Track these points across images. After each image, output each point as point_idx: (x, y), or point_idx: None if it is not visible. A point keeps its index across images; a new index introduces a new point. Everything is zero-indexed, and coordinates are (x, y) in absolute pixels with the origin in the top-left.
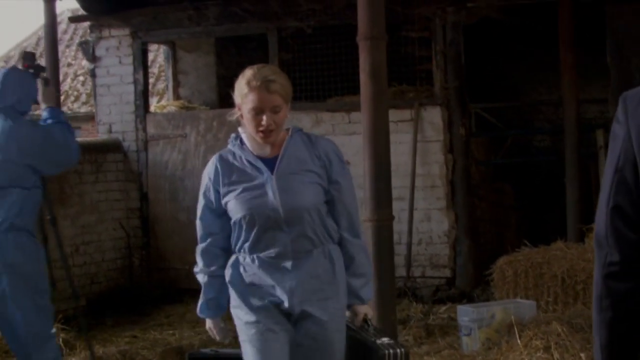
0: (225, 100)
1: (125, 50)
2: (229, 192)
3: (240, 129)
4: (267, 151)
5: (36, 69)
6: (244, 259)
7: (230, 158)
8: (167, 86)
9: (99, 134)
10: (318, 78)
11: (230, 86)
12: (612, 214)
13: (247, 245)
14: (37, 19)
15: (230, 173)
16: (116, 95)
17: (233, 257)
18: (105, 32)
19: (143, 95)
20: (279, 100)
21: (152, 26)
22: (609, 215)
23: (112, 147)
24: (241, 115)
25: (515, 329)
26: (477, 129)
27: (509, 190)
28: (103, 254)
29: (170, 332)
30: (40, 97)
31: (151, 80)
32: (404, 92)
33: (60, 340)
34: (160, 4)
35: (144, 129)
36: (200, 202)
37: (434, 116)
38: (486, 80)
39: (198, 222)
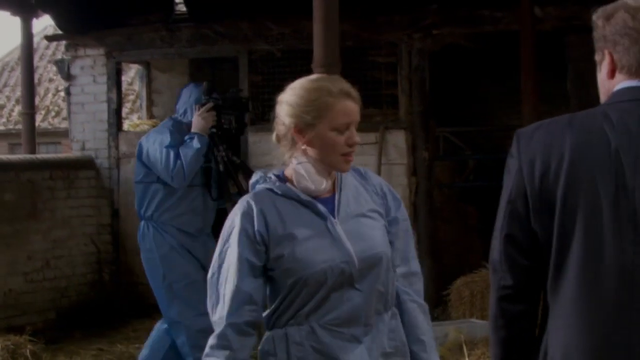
0: None
1: (100, 69)
2: (281, 244)
3: (295, 161)
4: (326, 187)
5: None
6: (297, 332)
7: (272, 200)
8: (140, 105)
9: (73, 151)
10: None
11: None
12: (506, 241)
13: (303, 312)
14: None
15: (279, 219)
16: (90, 113)
17: (274, 335)
18: (81, 51)
19: (116, 114)
20: (359, 112)
21: (126, 46)
22: (503, 243)
23: (85, 164)
24: (303, 141)
25: (465, 347)
26: (445, 153)
27: (473, 213)
28: (74, 269)
29: (137, 345)
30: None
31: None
32: (371, 115)
33: (28, 352)
34: (134, 25)
35: (117, 147)
36: (231, 261)
37: (398, 140)
38: (458, 104)
39: (227, 288)
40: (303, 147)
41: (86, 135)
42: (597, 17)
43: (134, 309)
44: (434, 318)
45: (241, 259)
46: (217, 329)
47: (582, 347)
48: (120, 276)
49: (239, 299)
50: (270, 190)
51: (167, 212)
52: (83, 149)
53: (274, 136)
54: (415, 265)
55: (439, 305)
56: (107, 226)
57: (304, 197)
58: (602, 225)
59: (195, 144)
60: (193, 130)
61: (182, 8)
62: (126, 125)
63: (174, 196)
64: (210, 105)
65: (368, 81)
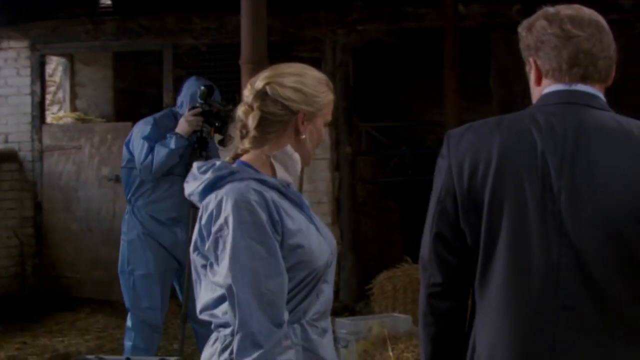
0: (122, 113)
1: (24, 62)
2: (295, 235)
3: (288, 150)
4: (295, 181)
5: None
6: (292, 332)
7: (266, 192)
8: (64, 98)
9: None
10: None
11: (127, 99)
12: (435, 240)
13: (300, 308)
14: None
15: (284, 210)
16: (13, 106)
17: None
18: (5, 44)
19: (40, 107)
20: None
21: (50, 39)
22: (432, 241)
23: (8, 157)
24: (304, 131)
25: (388, 342)
26: (368, 148)
27: (396, 208)
28: None
29: (60, 339)
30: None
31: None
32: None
33: None
34: (59, 18)
35: (40, 140)
36: (263, 255)
37: None
38: (382, 100)
39: (273, 285)
40: (303, 136)
41: (9, 128)
42: (521, 29)
43: (56, 302)
44: (357, 312)
45: (276, 251)
46: (274, 334)
47: (507, 344)
48: (43, 269)
49: (285, 295)
50: (259, 180)
51: (141, 197)
52: (6, 141)
53: (256, 118)
54: None
55: (361, 299)
56: (30, 219)
57: (290, 190)
58: (528, 226)
59: (172, 144)
60: (176, 130)
61: (107, 1)
62: (49, 118)
63: (150, 183)
64: (198, 110)
65: None
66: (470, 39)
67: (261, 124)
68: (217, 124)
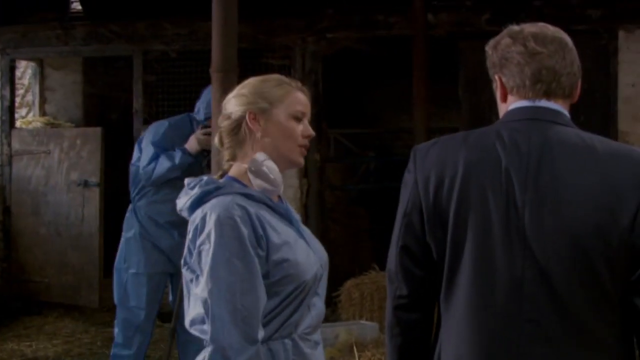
0: (91, 118)
1: None
2: (281, 249)
3: (260, 156)
4: (280, 189)
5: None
6: (282, 347)
7: (250, 206)
8: (33, 102)
9: None
10: (181, 101)
11: (97, 104)
12: (401, 253)
13: (290, 322)
14: None
15: (268, 224)
16: None
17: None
18: None
19: (9, 111)
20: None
21: (20, 44)
22: (398, 254)
23: None
24: (259, 129)
25: (355, 349)
26: (337, 154)
27: (364, 215)
28: None
29: (28, 343)
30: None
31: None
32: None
33: None
34: (29, 22)
35: (9, 144)
36: (240, 271)
37: None
38: (351, 107)
39: (247, 301)
40: (258, 135)
41: None
42: (488, 47)
43: (25, 307)
44: (325, 319)
45: (254, 268)
46: (246, 351)
47: (472, 355)
48: (11, 273)
49: (260, 312)
50: (245, 195)
51: (144, 197)
52: None
53: (216, 140)
54: None
55: (329, 306)
56: None
57: (276, 203)
58: (492, 240)
59: (176, 159)
60: (186, 145)
61: (77, 6)
62: (19, 123)
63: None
64: (209, 130)
65: None
66: (439, 48)
67: (222, 140)
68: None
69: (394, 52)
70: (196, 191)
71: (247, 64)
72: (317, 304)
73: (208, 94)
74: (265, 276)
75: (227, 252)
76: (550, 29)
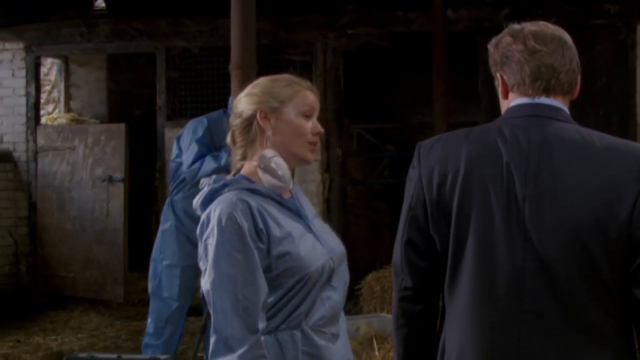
0: (115, 114)
1: (19, 63)
2: (282, 242)
3: (269, 153)
4: (289, 185)
5: None
6: (290, 338)
7: (255, 201)
8: (58, 99)
9: None
10: (203, 97)
11: (121, 101)
12: (406, 246)
13: (297, 314)
14: None
15: (271, 218)
16: (8, 107)
17: (264, 341)
18: (0, 46)
19: (34, 108)
20: (319, 109)
21: (45, 41)
22: (403, 247)
23: (3, 157)
24: (269, 127)
25: (375, 341)
26: (359, 149)
27: (385, 209)
28: None
29: (53, 337)
30: None
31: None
32: None
33: None
34: (53, 20)
35: (35, 141)
36: (241, 263)
37: None
38: (373, 102)
39: (249, 293)
40: (269, 133)
41: (4, 129)
42: (490, 45)
43: (50, 301)
44: (347, 312)
45: (255, 260)
46: (247, 340)
47: (475, 347)
48: (37, 268)
49: (261, 303)
50: (249, 190)
51: (181, 191)
52: (1, 142)
53: (228, 138)
54: None
55: (350, 299)
56: (25, 219)
57: (284, 198)
58: (494, 233)
59: (222, 160)
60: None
61: (101, 4)
62: (44, 119)
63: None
64: None
65: None
66: (459, 43)
67: (234, 138)
68: None
69: (414, 48)
70: (206, 189)
71: (268, 60)
72: (333, 297)
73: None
74: (268, 269)
75: (229, 246)
76: (550, 28)
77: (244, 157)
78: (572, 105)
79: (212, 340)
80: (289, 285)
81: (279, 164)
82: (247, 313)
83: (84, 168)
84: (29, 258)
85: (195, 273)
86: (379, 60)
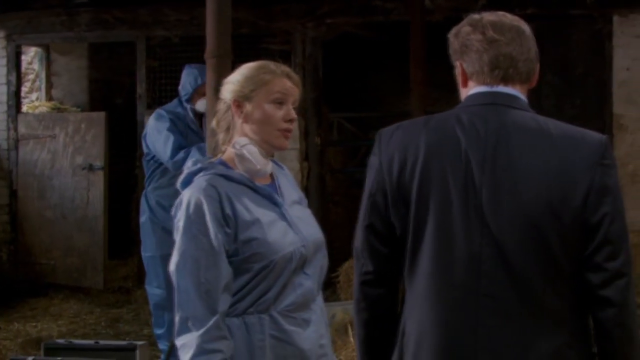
0: (96, 103)
1: (0, 52)
2: (250, 227)
3: (237, 145)
4: (268, 170)
5: None
6: (258, 321)
7: (225, 186)
8: (40, 87)
9: None
10: None
11: (102, 89)
12: (367, 231)
13: (265, 299)
14: None
15: (241, 204)
16: None
17: (228, 324)
18: None
19: (15, 96)
20: (298, 95)
21: (26, 30)
22: (364, 232)
23: None
24: (242, 117)
25: (350, 329)
26: (340, 138)
27: None
28: None
29: (33, 324)
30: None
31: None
32: None
33: None
34: (34, 9)
35: (15, 129)
36: (205, 246)
37: None
38: (352, 91)
39: (210, 275)
40: (240, 121)
41: None
42: (450, 35)
43: (31, 288)
44: (325, 299)
45: (218, 244)
46: (207, 320)
47: (433, 329)
48: (17, 256)
49: (223, 286)
50: (222, 176)
51: (152, 182)
52: None
53: (214, 122)
54: None
55: (329, 287)
56: (6, 207)
57: (258, 183)
58: (452, 218)
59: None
60: None
61: None
62: (26, 107)
63: (160, 168)
64: None
65: None
66: (439, 33)
67: (217, 123)
68: None
69: (393, 37)
70: (184, 172)
71: (247, 50)
72: (305, 284)
73: (187, 75)
74: (235, 253)
75: (194, 229)
76: (509, 18)
77: (224, 142)
78: (550, 94)
79: (176, 318)
80: (256, 270)
81: (251, 151)
82: (208, 295)
83: (64, 156)
84: (9, 246)
85: None
86: (360, 50)
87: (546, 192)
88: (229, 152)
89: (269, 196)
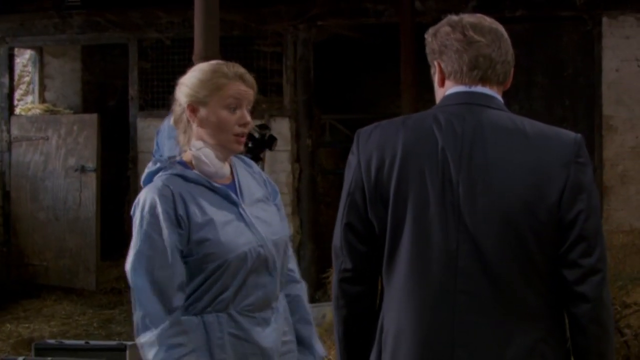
0: (89, 105)
1: None
2: (203, 228)
3: (197, 144)
4: (226, 172)
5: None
6: (215, 320)
7: (181, 187)
8: (33, 89)
9: None
10: (175, 87)
11: (95, 91)
12: (345, 229)
13: (222, 298)
14: None
15: (195, 204)
16: None
17: (189, 322)
18: None
19: (8, 98)
20: (253, 96)
21: (19, 32)
22: (343, 230)
23: None
24: (196, 121)
25: None
26: (333, 140)
27: None
28: None
29: (26, 325)
30: None
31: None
32: (256, 103)
33: None
34: (27, 11)
35: (8, 131)
36: (159, 246)
37: (282, 127)
38: (344, 93)
39: (164, 274)
40: (195, 125)
41: None
42: (428, 35)
43: (24, 290)
44: (316, 300)
45: (171, 244)
46: (165, 317)
47: (411, 325)
48: (10, 257)
49: (177, 285)
50: (179, 176)
51: None
52: None
53: (171, 120)
54: (291, 247)
55: (320, 287)
56: None
57: (214, 183)
58: (429, 216)
59: None
60: None
61: None
62: (18, 110)
63: None
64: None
65: (254, 70)
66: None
67: (175, 123)
68: (250, 145)
69: (385, 39)
70: (146, 171)
71: (239, 51)
72: (267, 284)
73: None
74: (189, 253)
75: (148, 228)
76: (487, 20)
77: (184, 144)
78: (540, 95)
79: (135, 317)
80: (210, 270)
81: (207, 154)
82: (163, 293)
83: (57, 158)
84: (2, 247)
85: None
86: (351, 52)
87: (522, 190)
88: (188, 153)
89: (226, 196)
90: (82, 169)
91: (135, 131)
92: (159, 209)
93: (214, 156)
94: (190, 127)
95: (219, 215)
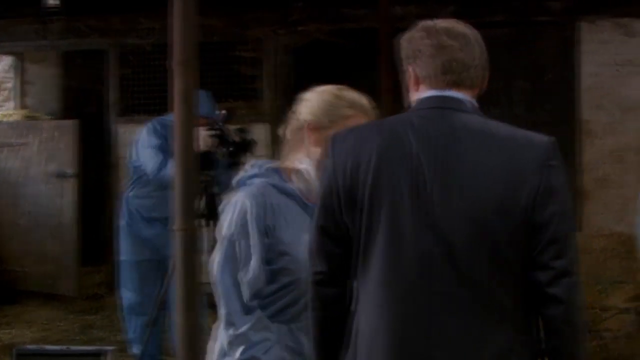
0: (70, 111)
1: None
2: (285, 243)
3: (305, 160)
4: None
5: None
6: (277, 329)
7: (274, 197)
8: (13, 95)
9: None
10: (155, 93)
11: (75, 97)
12: (320, 232)
13: (287, 312)
14: None
15: (283, 217)
16: None
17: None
18: None
19: None
20: None
21: None
22: (317, 233)
23: None
24: (313, 142)
25: None
26: None
27: None
28: None
29: (7, 330)
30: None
31: None
32: (236, 108)
33: None
34: (7, 17)
35: None
36: (249, 248)
37: (261, 132)
38: None
39: (235, 288)
40: (307, 142)
41: None
42: (402, 40)
43: (4, 296)
44: None
45: (257, 249)
46: (248, 316)
47: (386, 327)
48: None
49: (255, 288)
50: (275, 186)
51: (135, 188)
52: None
53: (281, 129)
54: None
55: None
56: None
57: (306, 201)
58: (403, 218)
59: None
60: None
61: (55, 2)
62: None
63: (145, 177)
64: (217, 133)
65: (234, 75)
66: None
67: (285, 132)
68: (231, 149)
69: (365, 44)
70: (241, 174)
71: (219, 57)
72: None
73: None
74: (268, 262)
75: (237, 231)
76: (461, 25)
77: (288, 154)
78: (521, 100)
79: (220, 312)
80: (283, 283)
81: (311, 172)
82: (243, 296)
83: (37, 164)
84: None
85: (151, 267)
86: (331, 57)
87: (495, 193)
88: (289, 165)
89: (313, 214)
90: (62, 175)
91: (115, 137)
92: (250, 216)
93: (314, 176)
94: (302, 141)
95: (302, 232)
